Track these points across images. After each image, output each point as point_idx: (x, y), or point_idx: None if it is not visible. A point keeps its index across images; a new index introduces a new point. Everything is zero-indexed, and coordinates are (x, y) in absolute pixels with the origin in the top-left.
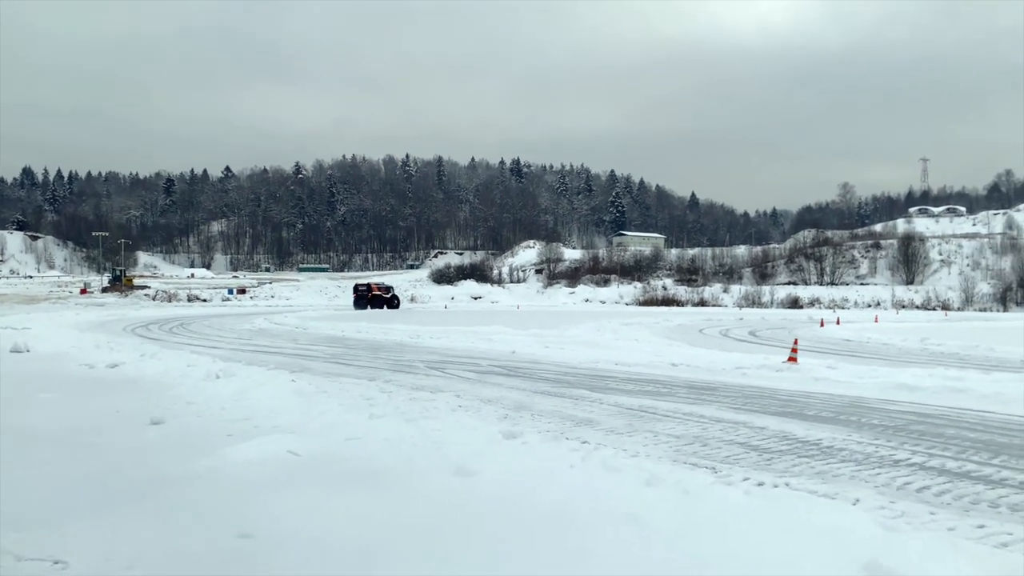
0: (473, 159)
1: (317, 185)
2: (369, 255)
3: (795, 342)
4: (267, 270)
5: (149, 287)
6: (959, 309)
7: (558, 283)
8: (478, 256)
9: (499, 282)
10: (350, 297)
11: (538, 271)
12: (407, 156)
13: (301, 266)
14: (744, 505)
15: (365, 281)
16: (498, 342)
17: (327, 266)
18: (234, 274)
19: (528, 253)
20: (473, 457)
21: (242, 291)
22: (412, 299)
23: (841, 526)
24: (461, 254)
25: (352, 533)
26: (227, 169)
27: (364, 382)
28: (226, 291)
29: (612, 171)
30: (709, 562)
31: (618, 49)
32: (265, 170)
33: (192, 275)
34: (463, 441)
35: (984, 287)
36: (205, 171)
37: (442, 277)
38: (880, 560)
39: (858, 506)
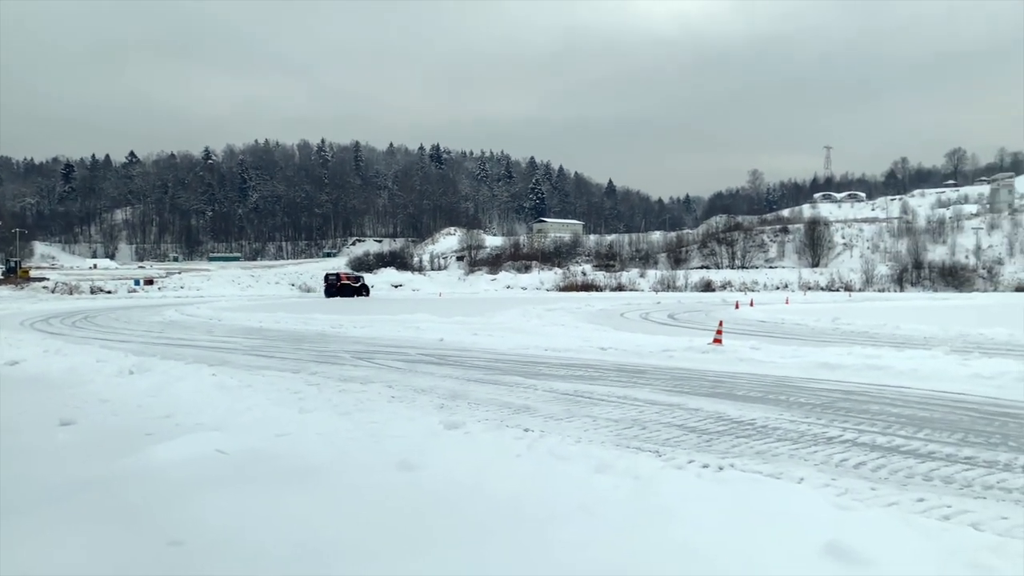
0: (392, 145)
1: (228, 171)
2: (284, 243)
3: (720, 324)
4: (176, 260)
5: (48, 279)
6: (861, 290)
7: (480, 270)
8: (398, 244)
9: (420, 270)
10: (264, 287)
11: (459, 258)
12: (323, 141)
13: (212, 255)
14: (697, 490)
15: (335, 271)
16: (425, 330)
17: (239, 255)
18: (140, 264)
19: (449, 240)
20: (415, 450)
21: (149, 282)
22: None
23: (795, 508)
24: (380, 241)
25: (292, 536)
26: (131, 154)
27: (289, 374)
28: (132, 282)
29: (532, 158)
30: (667, 553)
31: (538, 36)
32: (172, 155)
33: (95, 266)
34: (402, 433)
35: (883, 269)
36: (108, 156)
37: (361, 265)
38: (838, 541)
39: (804, 484)
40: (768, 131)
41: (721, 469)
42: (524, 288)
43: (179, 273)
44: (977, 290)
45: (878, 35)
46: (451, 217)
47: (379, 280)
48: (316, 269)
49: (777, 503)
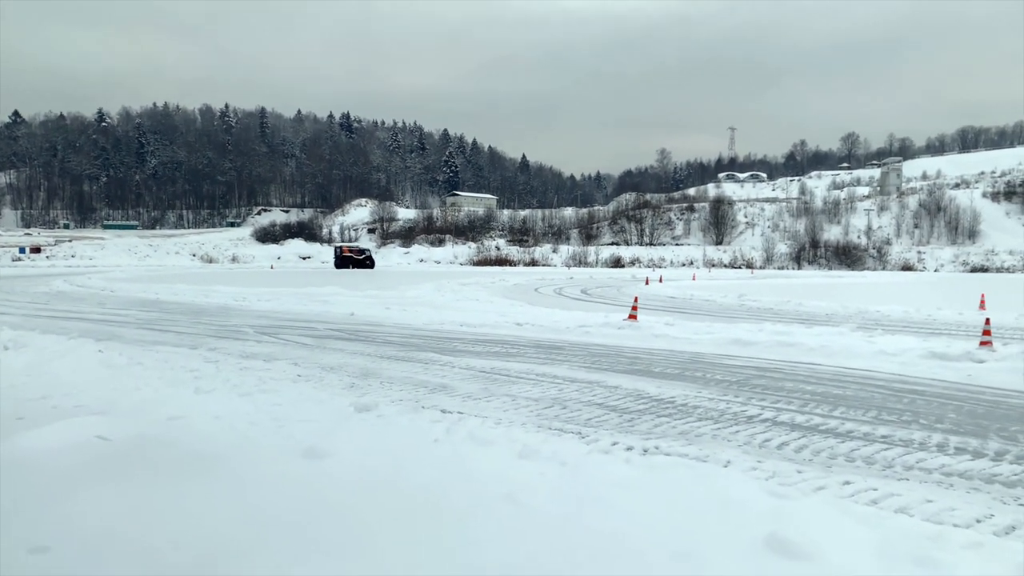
0: (300, 112)
1: (124, 135)
2: (185, 212)
3: (635, 300)
4: (67, 227)
5: None
6: (762, 267)
7: (392, 243)
8: (306, 214)
9: (330, 241)
10: (163, 257)
11: (371, 230)
12: (227, 106)
13: (107, 223)
14: (627, 477)
15: (338, 244)
16: (334, 304)
17: (136, 223)
18: (27, 231)
19: (360, 212)
20: (324, 435)
21: (36, 250)
22: (233, 259)
23: (730, 496)
24: (288, 212)
25: (182, 537)
26: (15, 114)
27: (185, 351)
28: (17, 250)
29: (445, 130)
30: (600, 548)
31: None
32: (62, 116)
33: None
34: (310, 417)
35: (782, 247)
36: None
37: (267, 236)
38: (778, 533)
39: (732, 468)
40: (677, 112)
41: (646, 452)
42: (438, 262)
43: (70, 241)
44: (868, 268)
45: (780, 22)
46: (362, 188)
47: (286, 251)
48: (219, 239)
49: (710, 491)
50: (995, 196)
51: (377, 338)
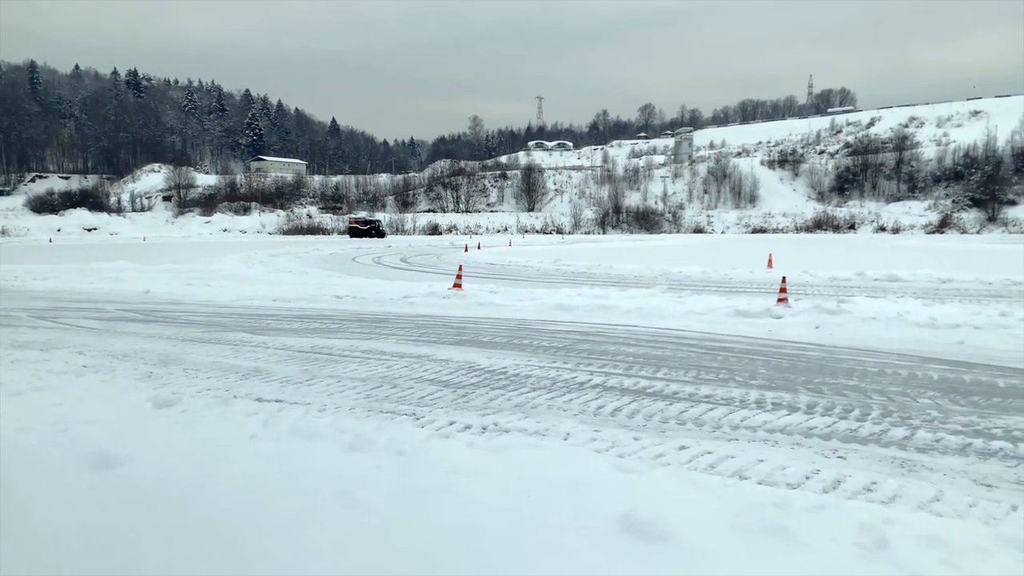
0: (78, 67)
1: None
2: None
3: (460, 269)
4: None
5: None
6: (571, 232)
7: (191, 212)
8: (90, 181)
9: (119, 211)
10: None
11: (166, 198)
12: None
13: None
14: (471, 463)
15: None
16: (126, 281)
17: None
18: None
19: (153, 178)
20: (116, 439)
21: None
22: (2, 232)
23: (579, 475)
24: (68, 178)
25: None
26: None
27: None
28: None
29: (247, 91)
30: (452, 544)
31: None
32: None
33: None
34: (98, 417)
35: (589, 213)
36: None
37: (44, 205)
38: (632, 513)
39: (572, 441)
40: (486, 78)
41: (485, 430)
42: (244, 231)
43: None
44: (665, 232)
45: None
46: (155, 152)
47: (68, 223)
48: None
49: (559, 470)
50: (771, 164)
51: (178, 318)
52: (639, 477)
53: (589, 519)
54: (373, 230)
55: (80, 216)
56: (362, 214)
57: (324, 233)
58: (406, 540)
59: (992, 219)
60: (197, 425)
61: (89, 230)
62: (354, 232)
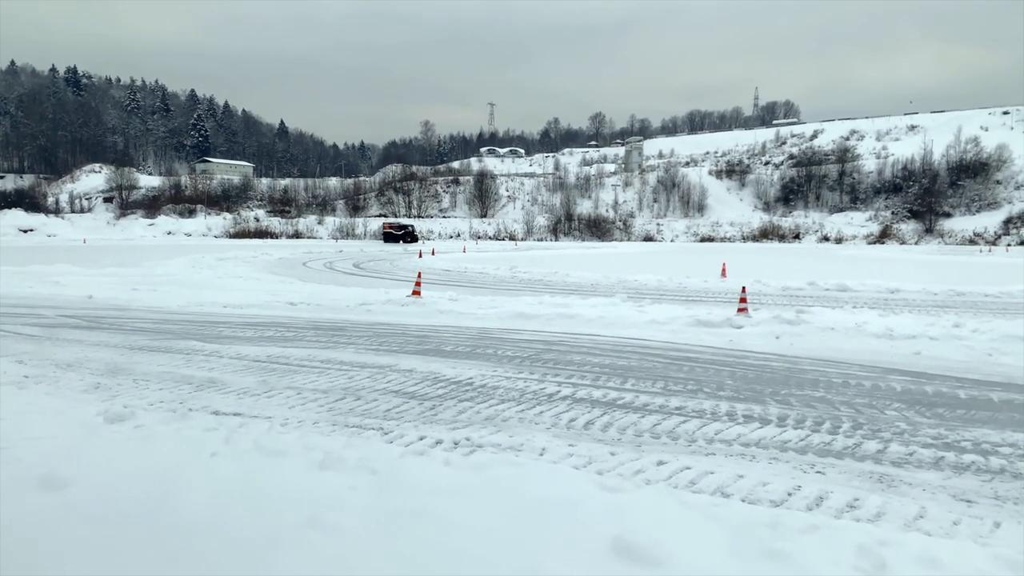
0: (14, 63)
1: None
2: None
3: (419, 276)
4: None
5: None
6: (523, 239)
7: (134, 214)
8: (26, 181)
9: (57, 212)
10: None
11: (107, 200)
12: None
13: None
14: (450, 482)
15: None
16: (68, 285)
17: None
18: None
19: (94, 179)
20: (63, 458)
21: None
22: None
23: (564, 496)
24: (2, 178)
25: None
26: None
27: None
28: None
29: (193, 91)
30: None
31: None
32: None
33: None
34: (44, 433)
35: (541, 220)
36: None
37: None
38: (626, 536)
39: (548, 457)
40: (438, 84)
41: (457, 445)
42: (189, 235)
43: None
44: (616, 239)
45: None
46: (96, 152)
47: (2, 224)
48: None
49: (542, 490)
50: (719, 174)
51: (124, 325)
52: (624, 496)
53: (579, 543)
54: (407, 235)
55: (15, 217)
56: (398, 220)
57: (273, 237)
58: (385, 568)
59: (929, 230)
60: (153, 442)
61: (25, 231)
62: (388, 237)
